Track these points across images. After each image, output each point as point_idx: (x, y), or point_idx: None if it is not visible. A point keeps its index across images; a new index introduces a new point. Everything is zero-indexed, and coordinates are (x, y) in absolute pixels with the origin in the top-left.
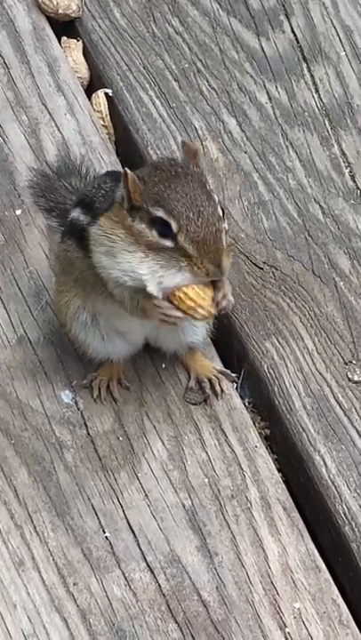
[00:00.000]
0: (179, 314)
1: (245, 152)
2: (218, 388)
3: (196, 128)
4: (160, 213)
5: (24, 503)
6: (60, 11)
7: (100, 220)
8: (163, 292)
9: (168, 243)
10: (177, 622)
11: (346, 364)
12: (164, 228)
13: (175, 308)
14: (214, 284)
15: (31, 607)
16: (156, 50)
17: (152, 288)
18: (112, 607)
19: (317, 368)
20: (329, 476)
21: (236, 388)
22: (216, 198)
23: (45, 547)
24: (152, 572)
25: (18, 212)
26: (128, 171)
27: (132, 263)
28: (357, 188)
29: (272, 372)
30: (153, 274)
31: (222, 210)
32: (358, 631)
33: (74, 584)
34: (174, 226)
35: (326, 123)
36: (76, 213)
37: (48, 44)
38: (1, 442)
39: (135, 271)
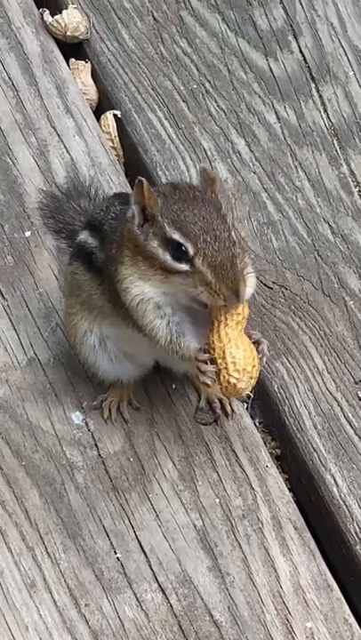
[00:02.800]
0: (211, 375)
1: (254, 172)
2: (228, 408)
3: (204, 149)
4: (176, 236)
5: (35, 525)
6: (68, 33)
7: (124, 257)
8: (198, 339)
9: (183, 266)
10: None
11: (356, 383)
12: (178, 252)
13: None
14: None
15: (43, 629)
16: (164, 71)
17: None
18: (124, 628)
19: (328, 387)
20: (340, 496)
21: (247, 408)
22: (230, 222)
23: (57, 568)
24: (164, 592)
25: (27, 233)
26: (143, 179)
27: (143, 290)
28: None
29: (282, 391)
30: (164, 295)
31: (237, 235)
32: None
33: (85, 605)
34: (191, 249)
35: (335, 142)
36: (84, 236)
37: (56, 65)
38: (12, 463)
39: (149, 299)
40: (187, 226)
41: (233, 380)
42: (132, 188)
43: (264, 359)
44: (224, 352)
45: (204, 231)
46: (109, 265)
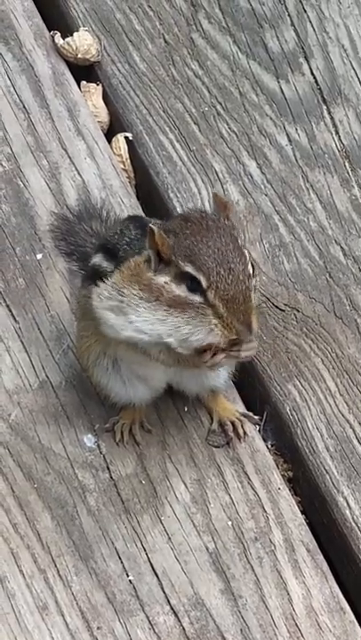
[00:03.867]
0: (223, 356)
1: (266, 194)
2: (241, 430)
3: (216, 171)
4: (189, 269)
5: (47, 547)
6: (79, 55)
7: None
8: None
9: (197, 298)
10: None
11: None
12: (193, 284)
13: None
14: None
15: None
16: (175, 93)
17: (174, 343)
18: None
19: (340, 410)
20: (353, 518)
21: (259, 431)
22: (247, 254)
23: (69, 591)
24: (176, 615)
25: (39, 256)
26: (154, 227)
27: (150, 320)
28: None
29: (295, 414)
30: (176, 331)
31: (253, 267)
32: None
33: (98, 628)
34: (204, 282)
35: (346, 164)
36: (98, 259)
37: (68, 88)
38: (24, 486)
39: (154, 329)
40: (200, 258)
41: None
42: (143, 210)
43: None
44: None
45: (217, 263)
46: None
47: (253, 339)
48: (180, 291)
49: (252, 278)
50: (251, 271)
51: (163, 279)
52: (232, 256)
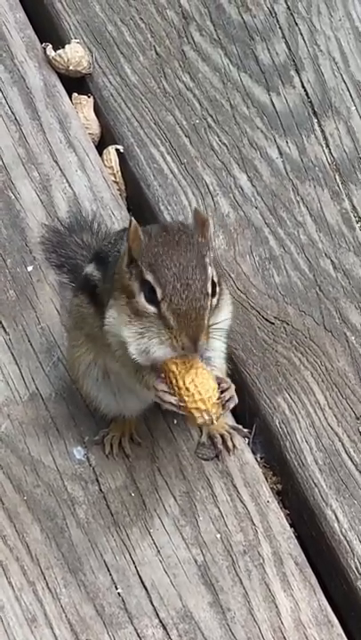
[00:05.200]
0: (173, 402)
1: (256, 207)
2: (230, 443)
3: (207, 183)
4: (149, 277)
5: (36, 559)
6: (70, 67)
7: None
8: (153, 363)
9: (152, 309)
10: None
11: (358, 418)
12: (150, 294)
13: (172, 395)
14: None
15: None
16: (166, 106)
17: (133, 351)
18: None
19: (329, 423)
20: (341, 531)
21: (248, 444)
22: (210, 273)
23: (58, 603)
24: (165, 628)
25: (29, 268)
26: (134, 220)
27: (118, 323)
28: None
29: (284, 427)
30: (136, 338)
31: (214, 287)
32: None
33: None
34: (159, 293)
35: (337, 177)
36: (90, 269)
37: (59, 100)
38: (13, 498)
39: (120, 333)
40: (161, 270)
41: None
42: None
43: (231, 404)
44: (178, 381)
45: (176, 278)
46: (104, 297)
47: (198, 355)
48: (140, 298)
49: (209, 297)
50: (209, 290)
51: (134, 284)
52: (192, 272)
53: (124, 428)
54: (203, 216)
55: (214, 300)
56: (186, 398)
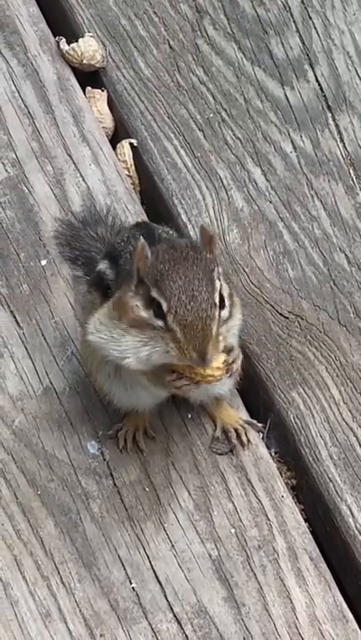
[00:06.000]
0: (186, 382)
1: (270, 201)
2: (244, 438)
3: (220, 177)
4: (154, 293)
5: (50, 554)
6: (84, 61)
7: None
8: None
9: (159, 322)
10: None
11: None
12: (157, 308)
13: (185, 377)
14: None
15: None
16: (180, 99)
17: (134, 363)
18: None
19: (344, 418)
20: (356, 526)
21: (263, 438)
22: (218, 287)
23: (72, 598)
24: (179, 622)
25: (43, 262)
26: (141, 240)
27: (115, 336)
28: None
29: (298, 421)
30: (136, 350)
31: (222, 299)
32: None
33: (100, 635)
34: (165, 306)
35: (351, 172)
36: (103, 266)
37: (73, 94)
38: (27, 493)
39: (116, 347)
40: (166, 283)
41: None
42: (148, 216)
43: (234, 366)
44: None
45: (181, 290)
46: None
47: (208, 368)
48: (146, 314)
49: (217, 309)
50: (217, 301)
51: (139, 301)
52: (199, 285)
53: (137, 422)
54: (209, 232)
55: (224, 313)
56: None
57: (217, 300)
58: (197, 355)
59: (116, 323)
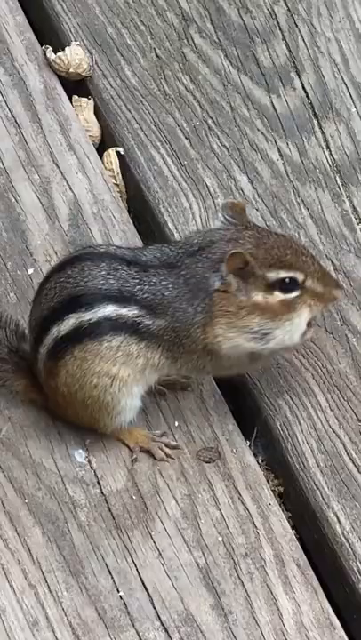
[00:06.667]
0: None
1: (257, 209)
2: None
3: (207, 185)
4: (282, 274)
5: (38, 563)
6: (70, 69)
7: (214, 323)
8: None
9: (294, 294)
10: None
11: (359, 420)
12: (287, 284)
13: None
14: None
15: None
16: (167, 108)
17: (299, 340)
18: None
19: (330, 425)
20: (343, 533)
21: (250, 446)
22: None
23: (59, 606)
24: (166, 630)
25: (30, 270)
26: (240, 249)
27: (282, 332)
28: None
29: (285, 429)
30: (298, 328)
31: None
32: None
33: None
34: (300, 276)
35: (338, 179)
36: (112, 310)
37: (59, 102)
38: (15, 501)
39: (288, 338)
40: (283, 260)
41: None
42: (135, 224)
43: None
44: None
45: (294, 256)
46: (188, 329)
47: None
48: (279, 297)
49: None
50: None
51: (258, 297)
52: (294, 244)
53: (136, 435)
54: (241, 204)
55: None
56: None
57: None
58: (337, 289)
59: (275, 319)
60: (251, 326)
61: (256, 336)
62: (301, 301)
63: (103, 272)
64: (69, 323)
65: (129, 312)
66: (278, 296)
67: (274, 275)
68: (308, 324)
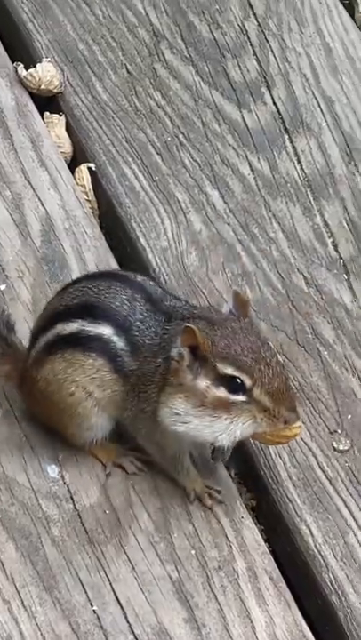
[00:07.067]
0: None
1: (228, 224)
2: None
3: (179, 201)
4: (229, 371)
5: (11, 578)
6: (42, 86)
7: (165, 389)
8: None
9: (240, 398)
10: None
11: (331, 433)
12: (234, 385)
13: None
14: None
15: None
16: (138, 123)
17: (227, 443)
18: None
19: (303, 438)
20: (315, 546)
21: (222, 460)
22: (272, 345)
23: (33, 621)
24: None
25: (2, 286)
26: (192, 326)
27: (201, 425)
28: (340, 257)
29: (257, 442)
30: (228, 432)
31: None
32: None
33: None
34: (248, 382)
35: (309, 193)
36: (107, 332)
37: (31, 119)
38: None
39: (208, 434)
40: (239, 359)
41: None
42: (107, 240)
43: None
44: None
45: (256, 361)
46: (147, 384)
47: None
48: (220, 393)
49: (285, 367)
50: (282, 361)
51: (203, 383)
52: (265, 350)
53: (107, 450)
54: (244, 297)
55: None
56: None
57: (280, 358)
58: (290, 412)
59: (201, 409)
60: (182, 407)
61: (183, 419)
62: (247, 410)
63: (124, 296)
64: (73, 326)
65: (118, 342)
66: (222, 392)
67: (222, 368)
68: (253, 437)
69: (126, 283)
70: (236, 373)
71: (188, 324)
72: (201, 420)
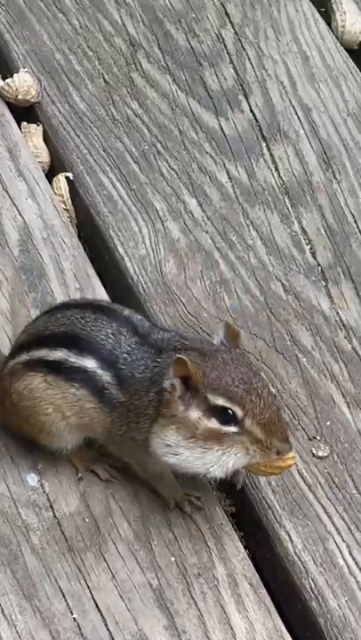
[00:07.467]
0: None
1: (206, 232)
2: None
3: (156, 209)
4: (220, 402)
5: None
6: (19, 96)
7: (158, 420)
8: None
9: (232, 429)
10: None
11: (310, 439)
12: (226, 416)
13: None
14: None
15: None
16: (115, 133)
17: (220, 475)
18: None
19: None
20: (295, 552)
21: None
22: (264, 375)
23: (14, 629)
24: None
25: None
26: (184, 358)
27: (192, 457)
28: (318, 264)
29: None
30: (219, 463)
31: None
32: None
33: None
34: (239, 413)
35: (286, 200)
36: (92, 365)
37: (8, 129)
38: None
39: (200, 465)
40: (230, 390)
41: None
42: (85, 251)
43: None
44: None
45: (247, 392)
46: (139, 416)
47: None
48: (212, 424)
49: (277, 397)
50: (274, 391)
51: (195, 414)
52: (257, 381)
53: (82, 456)
54: (235, 329)
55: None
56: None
57: (272, 389)
58: (282, 442)
59: (192, 440)
60: (174, 439)
61: (174, 451)
62: (239, 441)
63: (109, 330)
64: (57, 354)
65: (103, 375)
66: (214, 423)
67: (213, 399)
68: (247, 468)
69: (112, 316)
70: (227, 404)
71: (179, 355)
72: (192, 452)
